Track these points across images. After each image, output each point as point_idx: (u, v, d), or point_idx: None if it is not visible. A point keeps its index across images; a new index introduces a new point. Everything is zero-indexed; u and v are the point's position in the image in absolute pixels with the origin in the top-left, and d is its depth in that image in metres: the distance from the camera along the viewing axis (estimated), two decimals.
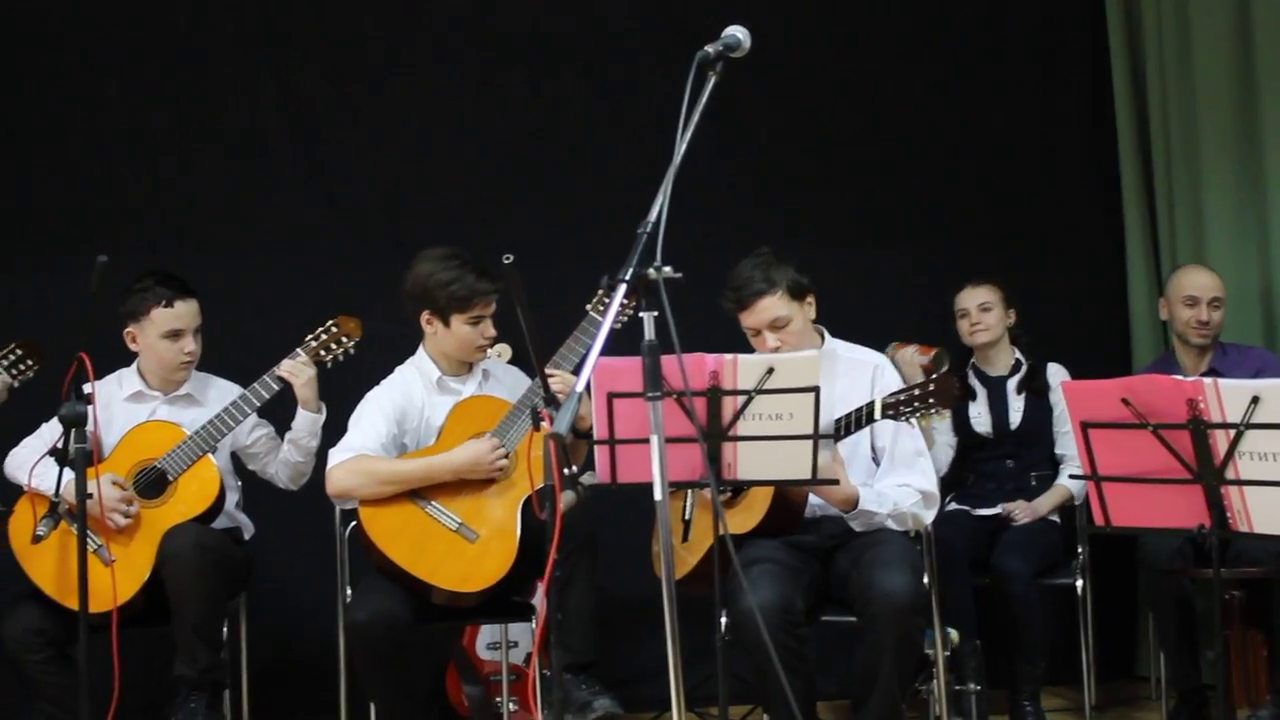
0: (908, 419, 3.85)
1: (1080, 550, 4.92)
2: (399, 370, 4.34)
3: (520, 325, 3.51)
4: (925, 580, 4.07)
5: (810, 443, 3.47)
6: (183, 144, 5.27)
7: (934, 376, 3.85)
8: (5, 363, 4.41)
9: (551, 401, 3.55)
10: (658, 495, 2.96)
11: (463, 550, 4.04)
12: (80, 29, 5.23)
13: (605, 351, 3.00)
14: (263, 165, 5.32)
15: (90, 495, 3.80)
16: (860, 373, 4.11)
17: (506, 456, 4.10)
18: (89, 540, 3.80)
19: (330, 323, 4.37)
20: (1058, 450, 4.99)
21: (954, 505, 4.98)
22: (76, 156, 5.21)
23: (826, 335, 4.18)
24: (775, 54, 5.13)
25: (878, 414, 3.85)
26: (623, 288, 2.92)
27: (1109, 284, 5.54)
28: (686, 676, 2.97)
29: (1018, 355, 5.06)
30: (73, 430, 3.66)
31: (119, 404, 4.36)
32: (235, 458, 4.48)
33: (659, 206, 2.94)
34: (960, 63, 5.55)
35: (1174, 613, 4.50)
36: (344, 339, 4.37)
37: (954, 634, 4.44)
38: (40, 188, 5.19)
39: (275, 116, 5.34)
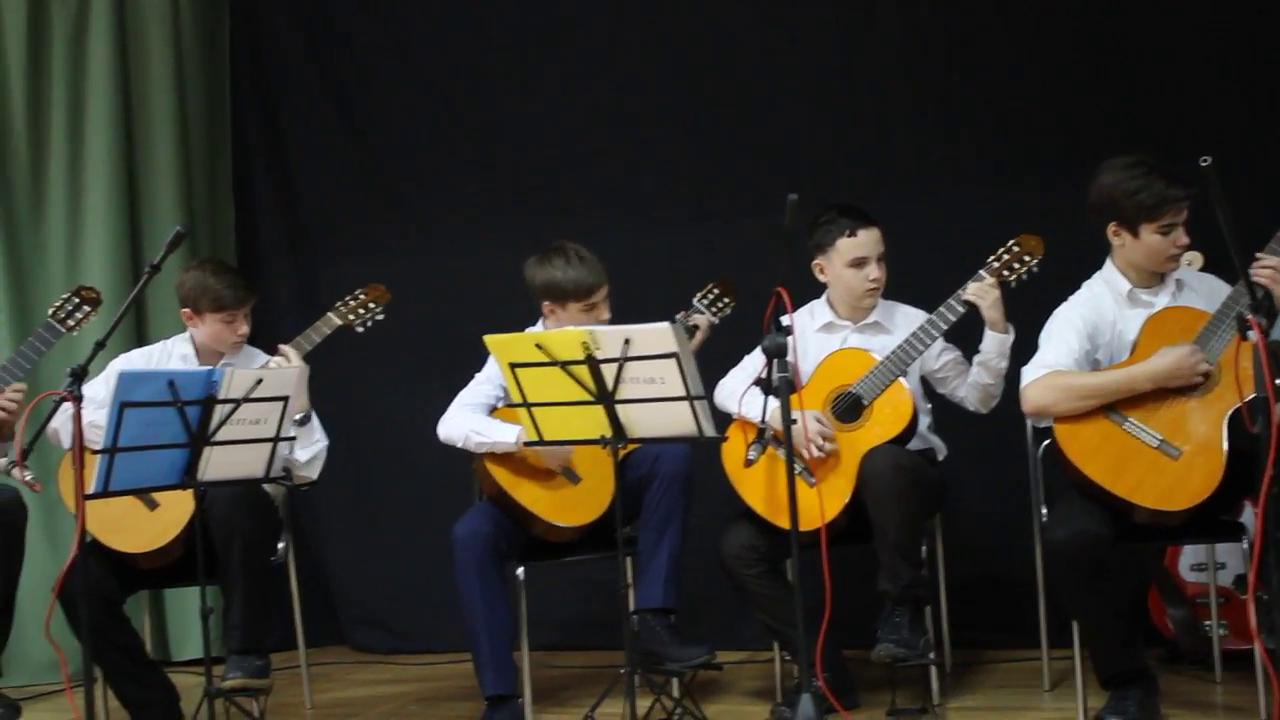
0: None
1: None
2: (1086, 285, 4.23)
3: (1219, 228, 3.32)
4: None
5: None
6: (824, 66, 5.43)
7: None
8: (705, 301, 4.73)
9: (1259, 308, 3.34)
10: None
11: (1165, 467, 3.90)
12: None
13: None
14: (928, 82, 5.34)
15: (794, 421, 4.00)
16: None
17: (1208, 365, 3.93)
18: (795, 463, 4.02)
19: (1012, 242, 4.33)
20: None
21: None
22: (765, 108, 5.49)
23: None
24: None
25: None
26: None
27: None
28: None
29: None
30: (775, 360, 3.86)
31: (812, 334, 4.55)
32: (925, 382, 4.56)
33: None
34: None
35: None
36: (1026, 258, 4.31)
37: None
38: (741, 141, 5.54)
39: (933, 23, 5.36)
